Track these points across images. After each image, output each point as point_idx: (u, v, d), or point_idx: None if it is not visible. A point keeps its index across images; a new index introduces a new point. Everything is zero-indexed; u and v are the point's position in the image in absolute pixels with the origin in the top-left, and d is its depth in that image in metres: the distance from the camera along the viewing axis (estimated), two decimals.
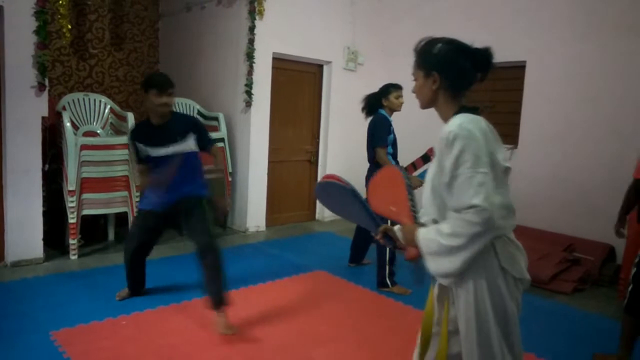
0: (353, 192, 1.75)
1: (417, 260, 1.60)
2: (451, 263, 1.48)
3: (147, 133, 3.12)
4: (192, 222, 3.16)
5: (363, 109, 4.09)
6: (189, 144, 3.14)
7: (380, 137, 3.90)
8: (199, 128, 3.22)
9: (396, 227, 1.70)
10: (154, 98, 2.99)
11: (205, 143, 3.22)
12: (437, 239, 1.49)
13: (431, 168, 1.61)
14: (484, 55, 1.59)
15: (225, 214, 3.24)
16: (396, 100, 3.99)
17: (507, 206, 1.51)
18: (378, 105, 4.02)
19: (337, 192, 1.80)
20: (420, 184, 3.79)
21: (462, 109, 1.59)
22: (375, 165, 3.92)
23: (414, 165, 4.04)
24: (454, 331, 1.61)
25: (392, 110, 4.02)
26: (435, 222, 1.58)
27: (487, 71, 1.61)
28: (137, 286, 3.52)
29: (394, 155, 4.04)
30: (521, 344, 1.57)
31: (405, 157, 4.22)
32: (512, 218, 1.54)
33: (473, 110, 1.59)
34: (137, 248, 3.34)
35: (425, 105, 1.69)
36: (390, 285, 3.91)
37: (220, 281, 3.07)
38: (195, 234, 3.14)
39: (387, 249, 3.92)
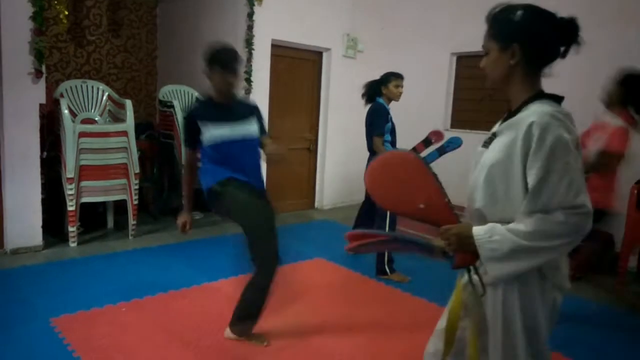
0: (401, 240, 1.54)
1: (471, 265, 1.39)
2: (518, 265, 1.30)
3: (210, 111, 2.74)
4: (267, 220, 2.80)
5: (363, 95, 4.09)
6: (255, 127, 2.82)
7: (377, 126, 3.89)
8: (259, 114, 2.94)
9: (444, 228, 1.40)
10: (218, 76, 2.67)
11: (262, 130, 2.93)
12: (512, 238, 1.29)
13: (492, 153, 1.38)
14: (571, 25, 1.36)
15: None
16: (395, 89, 3.98)
17: None
18: (377, 93, 4.02)
19: (373, 247, 1.59)
20: None
21: (541, 95, 1.38)
22: (373, 154, 3.91)
23: (414, 150, 4.01)
24: (468, 329, 1.51)
25: (390, 99, 4.01)
26: (478, 212, 1.39)
27: (572, 45, 1.37)
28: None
29: (393, 144, 4.03)
30: (550, 353, 1.46)
31: (404, 144, 4.21)
32: None
33: (556, 97, 1.39)
34: (269, 234, 2.73)
35: (496, 82, 1.44)
36: (389, 273, 3.93)
37: (255, 307, 2.74)
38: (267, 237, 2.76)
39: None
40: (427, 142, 4.15)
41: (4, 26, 3.81)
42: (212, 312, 3.12)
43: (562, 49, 1.37)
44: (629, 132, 3.17)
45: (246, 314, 2.75)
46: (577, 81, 4.94)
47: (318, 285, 3.77)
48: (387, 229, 3.82)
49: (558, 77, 1.46)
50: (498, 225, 1.33)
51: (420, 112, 6.07)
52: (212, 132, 2.68)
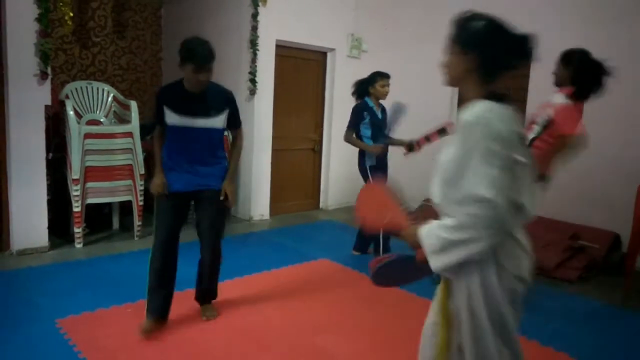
0: (399, 257, 1.73)
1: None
2: (449, 258, 1.42)
3: (177, 98, 2.77)
4: (203, 219, 2.95)
5: (353, 93, 4.34)
6: (220, 122, 2.87)
7: (349, 121, 4.25)
8: (234, 107, 2.96)
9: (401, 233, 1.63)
10: (190, 74, 2.68)
11: (235, 123, 2.99)
12: (439, 234, 1.42)
13: (444, 152, 1.51)
14: (527, 41, 1.47)
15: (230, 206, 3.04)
16: (381, 88, 4.20)
17: (517, 203, 1.43)
18: (365, 92, 4.25)
19: (389, 268, 1.77)
20: (379, 149, 4.13)
21: (489, 95, 1.47)
22: (359, 151, 4.28)
23: (427, 139, 4.04)
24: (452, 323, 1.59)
25: (377, 97, 4.24)
26: (439, 205, 1.54)
27: (527, 60, 1.49)
28: (164, 309, 2.93)
29: (375, 137, 4.21)
30: (519, 342, 1.53)
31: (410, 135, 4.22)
32: (521, 216, 1.46)
33: (501, 97, 1.47)
34: (167, 237, 2.87)
35: (452, 82, 1.57)
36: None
37: (213, 280, 3.10)
38: (203, 233, 2.97)
39: (380, 235, 4.13)
40: (441, 132, 4.17)
41: (10, 28, 3.83)
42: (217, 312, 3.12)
43: (517, 62, 1.49)
44: (575, 110, 3.09)
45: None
46: None
47: (322, 286, 3.76)
48: (381, 243, 4.15)
49: None
50: (436, 223, 1.47)
51: (425, 111, 6.03)
52: (171, 120, 2.77)
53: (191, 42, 2.71)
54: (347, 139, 4.28)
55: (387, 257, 1.74)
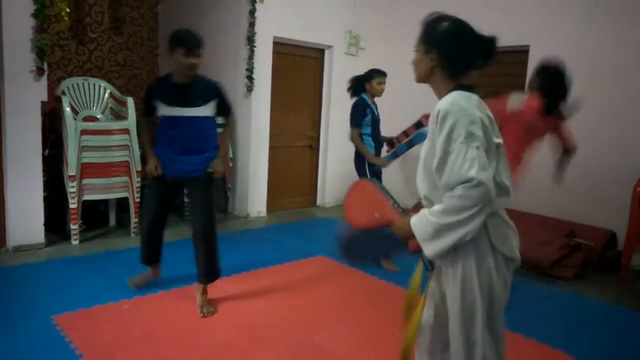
0: (366, 231, 1.76)
1: (420, 251, 1.58)
2: (444, 242, 1.46)
3: (166, 90, 2.96)
4: (193, 203, 3.19)
5: (348, 89, 4.29)
6: (209, 112, 3.04)
7: (354, 119, 4.13)
8: (222, 96, 3.11)
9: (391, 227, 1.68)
10: (180, 58, 2.84)
11: (225, 111, 3.15)
12: (430, 220, 1.47)
13: (424, 147, 1.60)
14: (487, 43, 1.57)
15: (220, 177, 3.18)
16: (378, 86, 4.17)
17: (500, 183, 1.50)
18: (361, 88, 4.21)
19: (359, 238, 1.81)
20: (385, 164, 4.11)
21: (457, 87, 1.56)
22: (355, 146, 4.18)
23: (405, 134, 4.17)
24: (434, 305, 1.68)
25: (373, 94, 4.20)
26: (426, 199, 1.59)
27: (488, 60, 1.58)
28: (152, 258, 3.40)
29: (374, 135, 4.19)
30: (504, 325, 1.58)
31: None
32: (505, 195, 1.53)
33: (468, 88, 1.56)
34: (154, 216, 3.21)
35: (420, 79, 1.67)
36: (381, 261, 4.07)
37: (212, 259, 3.15)
38: (193, 216, 3.17)
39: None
40: (418, 125, 4.25)
41: (6, 24, 3.81)
42: (214, 309, 3.12)
43: (480, 61, 1.58)
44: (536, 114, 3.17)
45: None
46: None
47: (320, 283, 3.76)
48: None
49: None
50: (424, 211, 1.52)
51: (422, 108, 6.01)
52: (163, 112, 2.95)
53: (179, 30, 2.92)
54: (354, 139, 4.15)
55: (356, 231, 1.80)
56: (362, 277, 3.93)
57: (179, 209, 5.33)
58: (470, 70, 1.59)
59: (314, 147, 6.33)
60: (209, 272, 3.17)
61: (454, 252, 1.50)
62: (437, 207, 1.47)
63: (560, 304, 3.63)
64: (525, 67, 5.12)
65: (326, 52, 6.18)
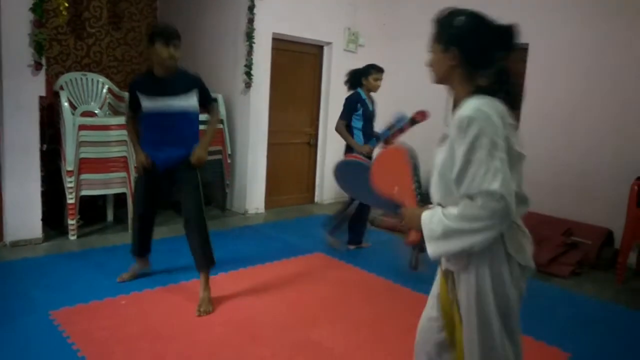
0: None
1: (417, 244, 1.55)
2: (449, 246, 1.42)
3: (148, 84, 3.03)
4: (181, 191, 3.19)
5: (346, 82, 4.36)
6: (191, 101, 3.09)
7: (343, 112, 4.24)
8: (202, 85, 3.18)
9: (401, 210, 1.63)
10: (160, 49, 2.91)
11: (206, 100, 3.20)
12: (444, 221, 1.41)
13: (441, 151, 1.51)
14: (509, 32, 1.47)
15: (199, 164, 3.18)
16: (374, 82, 4.25)
17: (519, 194, 1.47)
18: (358, 82, 4.28)
19: (357, 171, 1.76)
20: (369, 150, 4.15)
21: (478, 90, 1.48)
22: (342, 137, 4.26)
23: (401, 130, 4.23)
24: (436, 307, 1.63)
25: (369, 90, 4.28)
26: (440, 206, 1.52)
27: (511, 50, 1.49)
28: (143, 249, 3.47)
29: (365, 129, 4.25)
30: (521, 332, 1.55)
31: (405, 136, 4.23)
32: (523, 205, 1.50)
33: (490, 91, 1.48)
34: (144, 210, 3.31)
35: (438, 80, 1.58)
36: (329, 234, 4.41)
37: (205, 245, 3.16)
38: (183, 203, 3.19)
39: (355, 210, 4.34)
40: (412, 122, 4.25)
41: (4, 18, 3.79)
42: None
43: (501, 53, 1.49)
44: None
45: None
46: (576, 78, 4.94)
47: (317, 280, 3.77)
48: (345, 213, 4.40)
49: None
50: (440, 209, 1.46)
51: (422, 105, 6.03)
52: (146, 104, 3.00)
53: (156, 24, 3.11)
54: (339, 129, 4.27)
55: (365, 161, 1.78)
56: (359, 274, 3.94)
57: (176, 205, 5.32)
58: (491, 65, 1.49)
59: (312, 144, 6.33)
60: (208, 257, 3.19)
61: (467, 258, 1.46)
62: (453, 210, 1.41)
63: (556, 302, 3.65)
64: (525, 66, 5.13)
65: (325, 48, 6.17)
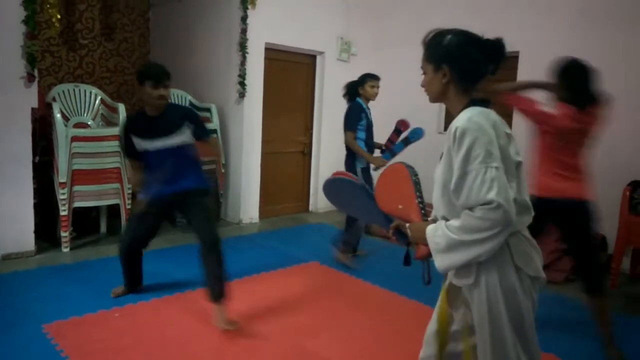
0: (363, 188, 1.74)
1: (427, 259, 1.57)
2: (456, 258, 1.43)
3: (142, 125, 3.02)
4: (196, 217, 3.11)
5: (344, 95, 4.37)
6: (185, 136, 3.05)
7: (348, 123, 4.18)
8: (195, 118, 3.14)
9: (407, 225, 1.64)
10: (150, 90, 2.90)
11: (201, 134, 3.14)
12: (447, 234, 1.43)
13: (440, 164, 1.54)
14: (496, 46, 1.53)
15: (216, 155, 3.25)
16: (371, 89, 4.25)
17: (521, 202, 1.47)
18: (356, 93, 4.29)
19: (346, 188, 1.78)
20: (384, 163, 4.11)
21: (472, 102, 1.53)
22: (347, 149, 4.22)
23: (390, 141, 4.34)
24: (460, 330, 1.59)
25: (367, 98, 4.28)
26: (444, 219, 1.53)
27: (499, 63, 1.55)
28: (133, 282, 3.41)
29: (367, 140, 4.25)
30: (538, 343, 1.53)
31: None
32: (526, 214, 1.50)
33: (483, 102, 1.53)
34: (132, 239, 3.24)
35: (434, 99, 1.62)
36: (338, 249, 4.29)
37: (221, 275, 3.02)
38: (199, 229, 3.09)
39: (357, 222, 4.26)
40: (397, 132, 4.41)
41: None
42: (207, 317, 3.10)
43: (491, 67, 1.55)
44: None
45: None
46: None
47: (313, 289, 3.76)
48: (353, 227, 4.27)
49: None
50: (443, 223, 1.48)
51: (414, 115, 6.05)
52: (141, 145, 3.01)
53: (145, 65, 3.21)
54: (349, 142, 4.16)
55: (352, 178, 1.81)
56: (355, 283, 3.94)
57: (170, 216, 5.30)
58: (483, 79, 1.56)
59: (306, 153, 6.34)
60: (224, 287, 3.02)
61: (476, 273, 1.46)
62: (455, 222, 1.43)
63: (551, 308, 3.65)
64: (515, 73, 5.18)
65: (318, 58, 6.21)
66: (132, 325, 3.00)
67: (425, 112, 6.13)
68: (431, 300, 3.53)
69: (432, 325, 1.70)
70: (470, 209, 1.39)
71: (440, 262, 1.48)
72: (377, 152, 4.39)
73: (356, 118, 4.17)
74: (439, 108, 6.05)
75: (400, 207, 1.67)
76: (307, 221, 6.03)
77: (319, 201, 6.45)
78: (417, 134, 4.31)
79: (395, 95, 5.82)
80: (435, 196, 1.58)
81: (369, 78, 4.25)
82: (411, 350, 2.83)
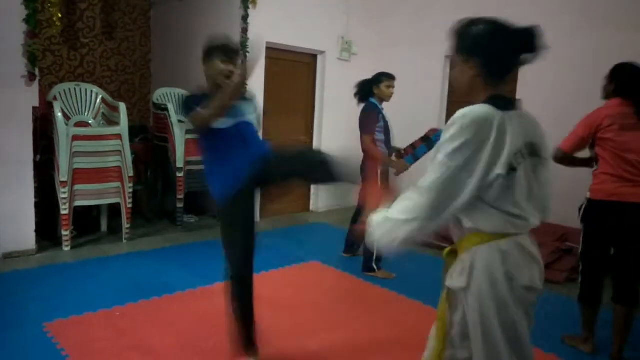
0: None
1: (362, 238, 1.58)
2: (386, 232, 1.48)
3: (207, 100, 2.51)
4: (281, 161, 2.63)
5: (356, 94, 4.14)
6: (251, 116, 2.72)
7: (366, 126, 3.95)
8: (257, 107, 2.88)
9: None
10: (219, 65, 2.56)
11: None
12: (387, 215, 1.49)
13: None
14: (529, 35, 1.42)
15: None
16: (387, 89, 4.03)
17: (514, 214, 1.42)
18: (370, 93, 4.06)
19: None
20: (406, 167, 3.91)
21: (491, 98, 1.45)
22: (366, 153, 3.98)
23: (412, 147, 4.07)
24: (460, 335, 1.55)
25: (382, 99, 4.06)
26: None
27: (533, 53, 1.44)
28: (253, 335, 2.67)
29: (386, 142, 4.07)
30: (532, 353, 1.49)
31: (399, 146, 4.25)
32: (519, 220, 1.44)
33: (505, 100, 1.45)
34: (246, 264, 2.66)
35: (463, 92, 1.54)
36: (376, 270, 4.01)
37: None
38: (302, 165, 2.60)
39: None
40: (424, 140, 4.18)
41: None
42: (207, 316, 3.10)
43: (522, 57, 1.45)
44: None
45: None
46: (563, 86, 4.98)
47: (313, 289, 3.76)
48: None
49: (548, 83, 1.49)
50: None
51: (415, 114, 6.09)
52: (220, 123, 2.49)
53: (212, 38, 2.68)
54: (368, 147, 3.89)
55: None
56: (355, 282, 3.94)
57: (171, 215, 5.31)
58: (511, 72, 1.49)
59: None
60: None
61: (469, 277, 1.44)
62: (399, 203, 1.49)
63: (551, 308, 3.65)
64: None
65: (319, 57, 6.21)
66: (132, 324, 3.00)
67: (425, 112, 6.14)
68: (432, 300, 3.54)
69: (433, 329, 1.66)
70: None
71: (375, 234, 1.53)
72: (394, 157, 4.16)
73: (374, 120, 3.94)
74: (440, 108, 6.06)
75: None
76: (308, 220, 6.03)
77: (319, 200, 6.45)
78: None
79: (396, 95, 5.78)
80: None
81: (385, 77, 4.02)
82: (412, 349, 2.83)
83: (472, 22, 1.50)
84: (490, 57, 1.45)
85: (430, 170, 1.41)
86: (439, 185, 1.38)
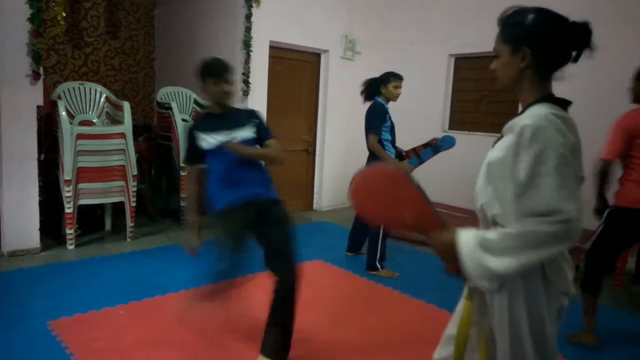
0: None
1: (459, 274, 1.37)
2: (504, 264, 1.25)
3: (207, 122, 2.76)
4: (273, 237, 2.80)
5: (362, 92, 4.13)
6: (249, 130, 2.78)
7: (373, 125, 3.94)
8: (260, 115, 2.91)
9: (429, 237, 1.43)
10: (213, 87, 2.69)
11: (265, 133, 2.85)
12: (497, 240, 1.26)
13: (494, 152, 1.37)
14: (583, 30, 1.34)
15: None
16: (394, 90, 4.02)
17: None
18: (376, 91, 4.06)
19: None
20: (411, 170, 3.94)
21: (548, 97, 1.36)
22: (372, 153, 3.98)
23: (414, 151, 4.12)
24: (478, 338, 1.49)
25: (388, 98, 4.05)
26: (483, 209, 1.39)
27: (585, 49, 1.35)
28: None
29: (393, 142, 4.06)
30: (557, 356, 1.44)
31: (403, 146, 4.24)
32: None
33: (561, 102, 1.35)
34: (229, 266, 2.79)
35: (506, 85, 1.43)
36: (379, 269, 4.03)
37: (287, 333, 2.68)
38: (274, 253, 2.77)
39: (380, 233, 4.05)
40: (427, 146, 4.18)
41: (2, 28, 3.80)
42: (210, 314, 3.11)
43: (574, 53, 1.36)
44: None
45: None
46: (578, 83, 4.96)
47: (316, 288, 3.76)
48: (379, 242, 4.04)
49: (567, 79, 1.45)
50: (494, 230, 1.30)
51: (419, 113, 6.08)
52: (208, 140, 2.69)
53: (204, 60, 2.76)
54: (374, 146, 3.88)
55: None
56: (359, 281, 3.94)
57: (175, 214, 5.32)
58: (563, 66, 1.38)
59: (310, 151, 6.34)
60: (287, 344, 2.65)
61: (501, 282, 1.33)
62: (511, 229, 1.26)
63: None
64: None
65: (322, 56, 6.20)
66: (136, 322, 3.01)
67: (430, 111, 6.13)
68: (434, 300, 3.54)
69: (451, 329, 1.58)
70: (532, 216, 1.23)
71: (486, 284, 1.31)
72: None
73: (381, 119, 3.92)
74: (443, 106, 6.04)
75: (408, 217, 1.42)
76: (311, 219, 6.03)
77: (322, 199, 6.45)
78: (449, 143, 4.10)
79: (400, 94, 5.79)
80: (479, 184, 1.41)
81: (393, 78, 4.01)
82: (415, 348, 2.83)
83: (522, 11, 1.39)
84: (545, 47, 1.35)
85: (541, 191, 1.22)
86: (573, 202, 1.24)
